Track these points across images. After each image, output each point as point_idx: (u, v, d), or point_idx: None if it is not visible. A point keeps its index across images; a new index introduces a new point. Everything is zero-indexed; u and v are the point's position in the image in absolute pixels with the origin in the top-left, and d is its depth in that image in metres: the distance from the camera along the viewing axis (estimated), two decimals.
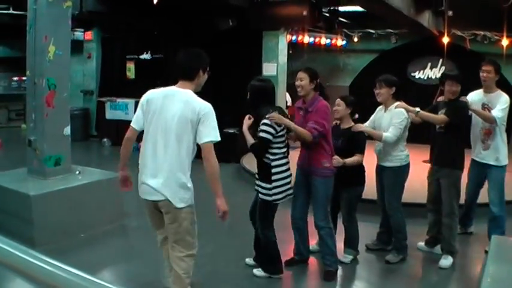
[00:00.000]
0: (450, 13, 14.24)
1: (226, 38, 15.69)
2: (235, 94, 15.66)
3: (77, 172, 9.01)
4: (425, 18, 15.07)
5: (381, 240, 8.50)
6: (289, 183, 7.05)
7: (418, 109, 7.75)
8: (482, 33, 16.77)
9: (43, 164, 8.58)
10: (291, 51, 16.74)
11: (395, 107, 7.74)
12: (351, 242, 7.97)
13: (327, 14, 15.71)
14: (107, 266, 7.49)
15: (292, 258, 7.81)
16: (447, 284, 7.67)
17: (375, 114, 8.23)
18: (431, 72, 18.57)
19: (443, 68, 18.20)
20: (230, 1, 14.21)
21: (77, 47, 18.46)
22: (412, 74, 18.81)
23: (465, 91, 8.08)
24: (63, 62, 8.65)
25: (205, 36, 16.00)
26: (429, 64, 18.64)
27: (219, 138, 5.43)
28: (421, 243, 8.54)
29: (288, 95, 15.68)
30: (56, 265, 2.33)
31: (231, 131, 14.93)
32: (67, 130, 8.80)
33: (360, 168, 7.69)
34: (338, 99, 7.75)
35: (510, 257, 5.55)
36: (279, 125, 6.75)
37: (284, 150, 6.97)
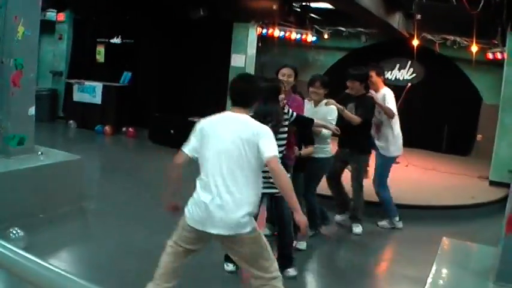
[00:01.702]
0: (418, 16, 14.35)
1: (196, 27, 15.74)
2: (204, 83, 15.81)
3: (40, 153, 9.06)
4: (396, 20, 15.23)
5: None
6: None
7: (342, 107, 8.57)
8: (452, 38, 16.91)
9: (6, 143, 8.62)
10: (260, 44, 16.85)
11: (326, 104, 8.47)
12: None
13: (298, 10, 15.83)
14: (63, 247, 7.56)
15: None
16: None
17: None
18: (400, 74, 18.66)
19: (411, 69, 18.38)
20: None
21: (48, 27, 18.42)
22: None
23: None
24: (32, 43, 8.70)
25: (176, 24, 16.08)
26: (398, 65, 18.72)
27: (278, 153, 5.19)
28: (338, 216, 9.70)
29: None
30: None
31: (196, 120, 14.98)
32: (31, 110, 8.84)
33: None
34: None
35: (456, 260, 5.72)
36: None
37: None
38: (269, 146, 5.09)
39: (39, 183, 8.49)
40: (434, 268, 5.28)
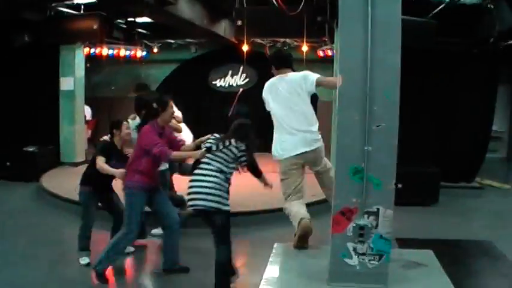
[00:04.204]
0: (239, 23, 14.52)
1: (22, 54, 15.25)
2: (35, 110, 15.33)
3: None
4: (222, 28, 15.33)
5: None
6: None
7: None
8: (282, 40, 17.16)
9: None
10: (88, 65, 16.58)
11: None
12: None
13: (125, 26, 15.66)
14: None
15: None
16: None
17: None
18: (233, 80, 18.96)
19: (244, 75, 18.63)
20: (24, 15, 13.88)
21: None
22: (214, 82, 19.09)
23: None
24: None
25: (1, 52, 15.54)
26: (230, 72, 19.02)
27: None
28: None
29: (88, 108, 15.48)
30: None
31: (31, 149, 14.57)
32: None
33: None
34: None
35: (290, 264, 5.74)
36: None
37: None
38: None
39: None
40: (266, 275, 5.28)
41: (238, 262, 8.68)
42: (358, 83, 4.57)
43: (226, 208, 6.89)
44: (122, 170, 7.67)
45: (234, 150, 7.00)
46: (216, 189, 6.83)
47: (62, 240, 9.72)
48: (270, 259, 5.74)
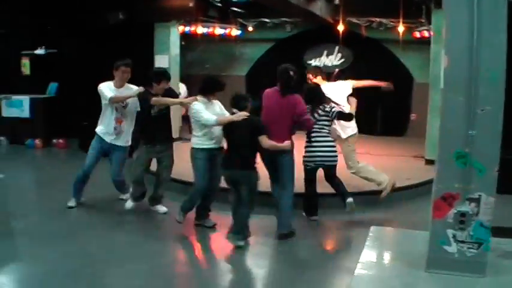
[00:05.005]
0: (336, 2, 14.42)
1: (117, 31, 15.47)
2: None
3: None
4: (318, 7, 15.18)
5: None
6: None
7: None
8: (378, 20, 16.95)
9: None
10: (183, 43, 16.69)
11: None
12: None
13: (220, 4, 15.71)
14: None
15: None
16: None
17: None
18: (328, 60, 18.71)
19: (339, 55, 18.43)
20: None
21: None
22: (308, 62, 18.80)
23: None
24: None
25: (97, 30, 15.78)
26: (325, 52, 18.76)
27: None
28: None
29: (183, 86, 15.54)
30: None
31: None
32: None
33: None
34: None
35: (386, 248, 5.67)
36: None
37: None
38: None
39: None
40: (362, 259, 5.22)
41: (330, 245, 8.67)
42: (463, 65, 4.45)
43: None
44: (289, 142, 8.13)
45: (324, 113, 9.05)
46: (335, 149, 9.19)
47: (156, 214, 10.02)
48: (366, 243, 5.67)
